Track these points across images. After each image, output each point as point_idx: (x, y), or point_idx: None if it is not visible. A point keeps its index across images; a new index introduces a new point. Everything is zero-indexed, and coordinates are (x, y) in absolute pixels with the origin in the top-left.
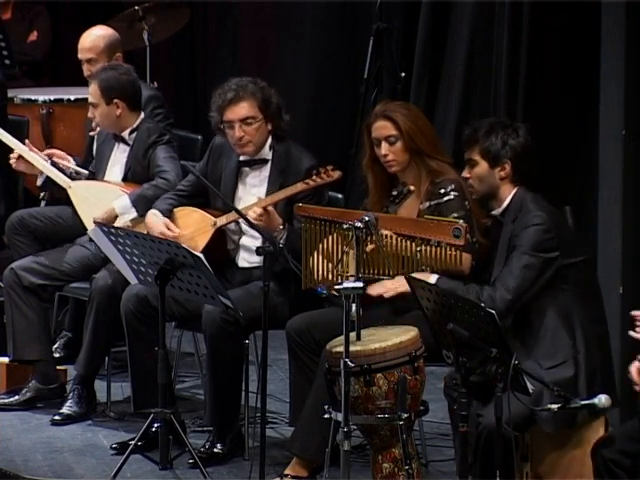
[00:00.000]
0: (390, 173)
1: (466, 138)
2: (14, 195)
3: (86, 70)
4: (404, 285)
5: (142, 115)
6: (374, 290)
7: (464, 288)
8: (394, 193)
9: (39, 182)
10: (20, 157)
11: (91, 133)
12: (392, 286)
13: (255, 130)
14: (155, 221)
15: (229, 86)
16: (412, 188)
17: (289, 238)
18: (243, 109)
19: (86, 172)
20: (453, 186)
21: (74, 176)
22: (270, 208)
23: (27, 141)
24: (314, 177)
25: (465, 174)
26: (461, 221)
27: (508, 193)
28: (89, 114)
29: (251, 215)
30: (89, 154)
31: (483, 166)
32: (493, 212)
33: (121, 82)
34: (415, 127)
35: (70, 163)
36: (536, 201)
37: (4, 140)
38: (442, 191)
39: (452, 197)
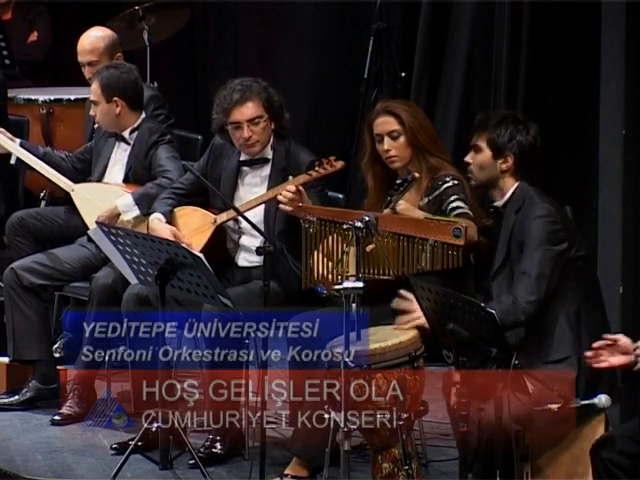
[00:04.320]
0: (389, 172)
1: (477, 123)
2: (14, 195)
3: (87, 73)
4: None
5: (143, 115)
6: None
7: (488, 305)
8: (398, 181)
9: (12, 160)
10: None
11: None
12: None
13: (262, 129)
14: (161, 228)
15: (233, 87)
16: (417, 175)
17: None
18: (250, 109)
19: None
20: (451, 177)
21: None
22: (302, 188)
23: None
24: (317, 168)
25: (468, 159)
26: (461, 203)
27: (510, 186)
28: (91, 112)
29: (285, 195)
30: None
31: (487, 154)
32: (495, 203)
33: (122, 81)
34: (417, 122)
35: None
36: (540, 193)
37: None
38: (440, 182)
39: (451, 184)
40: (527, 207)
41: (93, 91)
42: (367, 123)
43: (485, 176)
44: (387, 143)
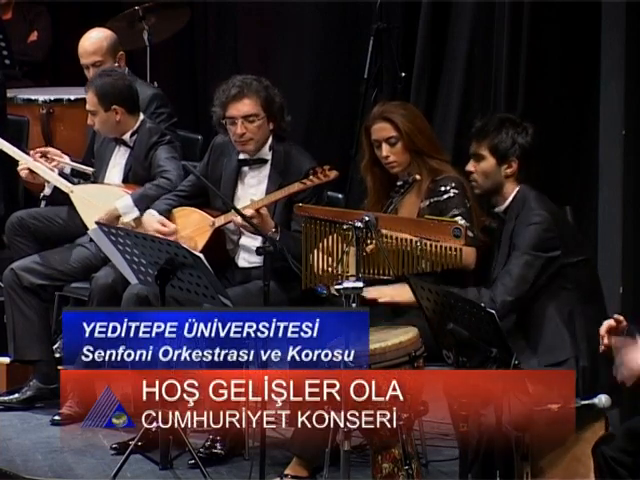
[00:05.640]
0: (389, 175)
1: (476, 131)
2: (14, 195)
3: (92, 74)
4: (401, 295)
5: (141, 116)
6: (370, 294)
7: (463, 291)
8: (399, 183)
9: (47, 191)
10: (28, 168)
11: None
12: (389, 293)
13: (257, 128)
14: (150, 220)
15: (233, 82)
16: (418, 177)
17: (282, 242)
18: (246, 106)
19: (89, 169)
20: (453, 184)
21: (75, 173)
22: (263, 210)
23: (32, 152)
24: (311, 177)
25: (470, 168)
26: (461, 220)
27: (511, 190)
28: (89, 121)
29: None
30: (90, 153)
31: (490, 162)
32: (496, 209)
33: (117, 87)
34: (414, 127)
35: (66, 160)
36: (539, 199)
37: (9, 152)
38: (442, 189)
39: (452, 195)
40: (524, 213)
41: (89, 101)
42: (364, 128)
43: (490, 183)
44: (385, 149)
